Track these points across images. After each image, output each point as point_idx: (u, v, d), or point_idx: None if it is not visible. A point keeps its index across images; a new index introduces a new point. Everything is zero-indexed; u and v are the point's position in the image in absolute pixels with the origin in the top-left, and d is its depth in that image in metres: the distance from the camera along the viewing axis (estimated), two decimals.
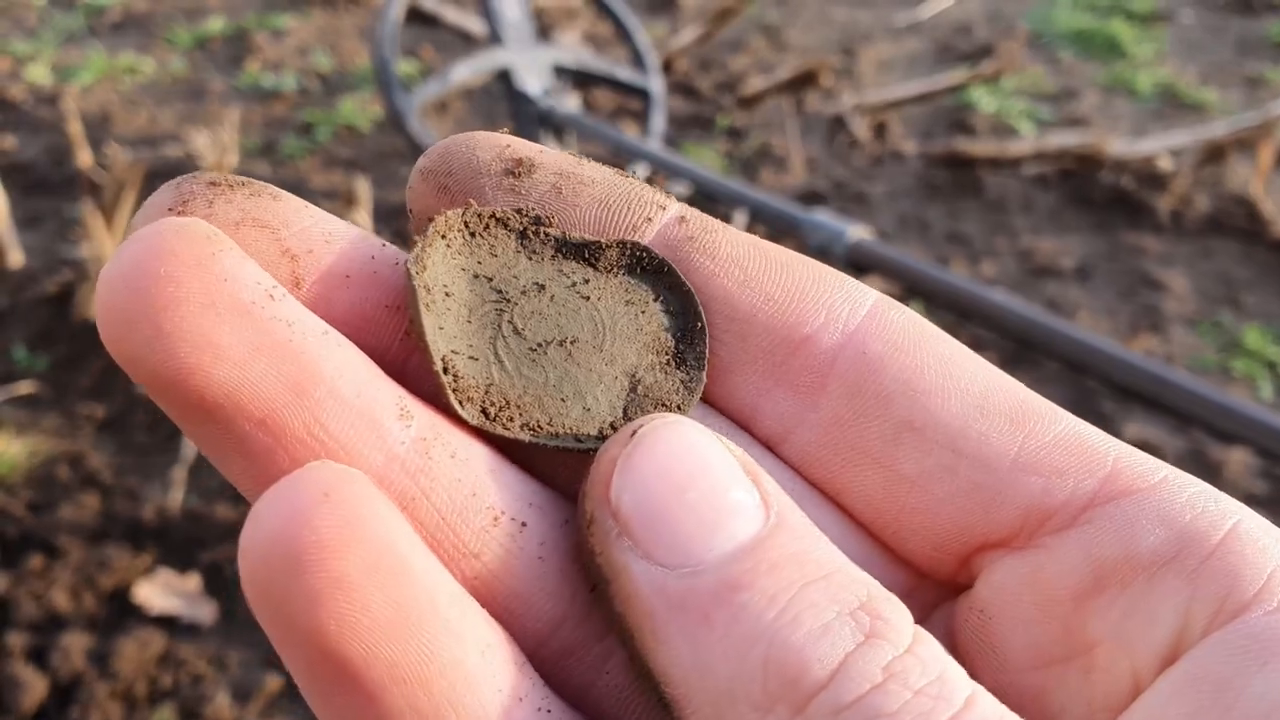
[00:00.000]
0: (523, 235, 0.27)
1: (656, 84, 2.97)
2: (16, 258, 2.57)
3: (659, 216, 0.28)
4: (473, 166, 0.27)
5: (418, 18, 3.77)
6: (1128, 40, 3.66)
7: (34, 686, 1.65)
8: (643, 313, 0.27)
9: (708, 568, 0.22)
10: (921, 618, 0.25)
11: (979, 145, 2.98)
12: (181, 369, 0.21)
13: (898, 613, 0.22)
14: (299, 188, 2.84)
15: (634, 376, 0.27)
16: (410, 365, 0.26)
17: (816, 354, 0.26)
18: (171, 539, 1.96)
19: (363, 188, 1.69)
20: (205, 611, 1.84)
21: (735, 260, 0.27)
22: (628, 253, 0.27)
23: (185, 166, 2.83)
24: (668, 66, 3.43)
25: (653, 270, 0.28)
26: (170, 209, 0.24)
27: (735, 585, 0.22)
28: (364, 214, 1.68)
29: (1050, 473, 0.25)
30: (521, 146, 0.28)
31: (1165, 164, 2.86)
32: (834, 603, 0.22)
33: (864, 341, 0.26)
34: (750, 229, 2.40)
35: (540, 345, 0.26)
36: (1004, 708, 0.21)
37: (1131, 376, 1.66)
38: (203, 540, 1.95)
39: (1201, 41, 3.75)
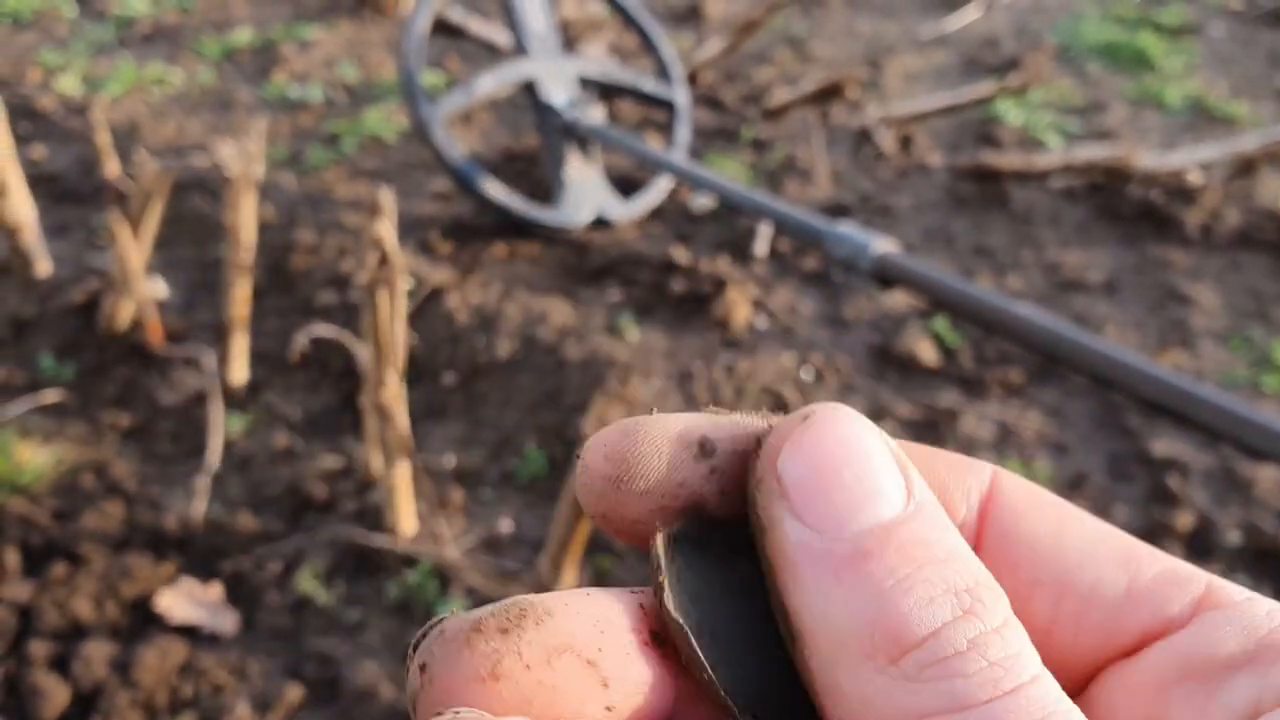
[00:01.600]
0: (729, 535, 0.30)
1: (681, 96, 2.97)
2: (45, 267, 2.60)
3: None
4: (665, 462, 0.30)
5: (444, 29, 3.79)
6: (1157, 53, 3.64)
7: (56, 695, 1.65)
8: None
9: (847, 537, 0.26)
10: None
11: (1006, 158, 2.96)
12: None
13: (996, 600, 0.26)
14: (325, 198, 2.86)
15: None
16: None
17: (964, 532, 0.30)
18: (194, 548, 1.96)
19: (387, 199, 1.69)
20: (227, 621, 1.84)
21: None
22: None
23: (212, 176, 2.85)
24: (693, 78, 3.43)
25: None
26: (482, 677, 0.27)
27: (866, 555, 0.26)
28: (388, 225, 1.68)
29: (1155, 601, 0.29)
30: (699, 424, 0.30)
31: (1194, 178, 2.83)
32: (943, 582, 0.26)
33: (996, 517, 0.31)
34: (774, 240, 2.38)
35: (757, 636, 0.29)
36: (1063, 693, 0.26)
37: (1158, 391, 1.64)
38: (225, 550, 1.95)
39: (1232, 54, 3.73)
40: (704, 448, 0.30)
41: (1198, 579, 0.30)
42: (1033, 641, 0.29)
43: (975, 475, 0.31)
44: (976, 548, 0.30)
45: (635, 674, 0.28)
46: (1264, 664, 0.27)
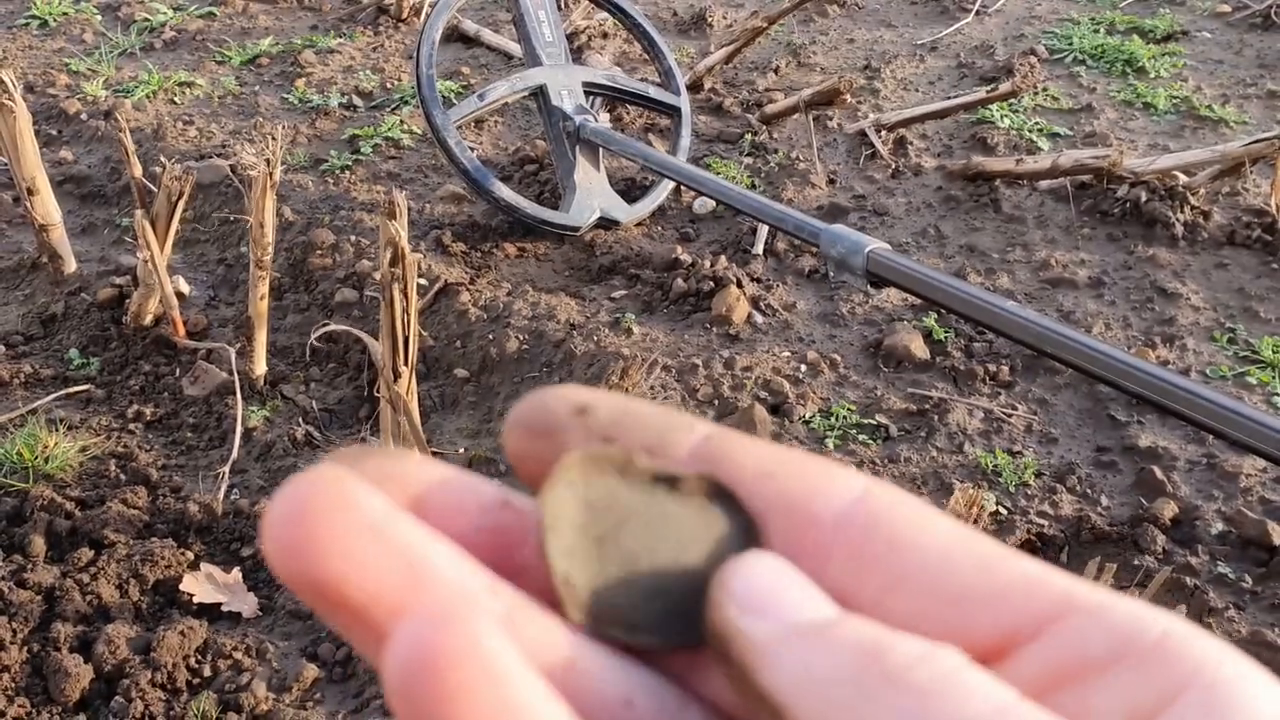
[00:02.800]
0: (623, 469, 0.32)
1: (684, 102, 3.05)
2: (72, 264, 2.68)
3: (690, 438, 0.33)
4: (549, 412, 0.33)
5: (460, 39, 3.87)
6: (1146, 58, 3.69)
7: (79, 676, 1.70)
8: (713, 529, 0.32)
9: (813, 622, 0.29)
10: None
11: (996, 161, 3.03)
12: (330, 578, 0.27)
13: (975, 673, 0.28)
14: (343, 199, 2.94)
15: (709, 582, 0.31)
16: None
17: (822, 532, 0.31)
18: (215, 535, 2.02)
19: (400, 200, 1.77)
20: (246, 604, 1.90)
21: (754, 464, 0.32)
22: (703, 482, 0.32)
23: (234, 178, 2.94)
24: (696, 85, 3.50)
25: (723, 496, 0.32)
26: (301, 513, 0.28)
27: (832, 623, 0.28)
28: (402, 225, 1.76)
29: (1011, 602, 0.30)
30: (581, 395, 0.33)
31: (1181, 179, 2.89)
32: (921, 648, 0.28)
33: (858, 519, 0.31)
34: (773, 240, 2.45)
35: (635, 558, 0.31)
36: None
37: (1143, 385, 1.68)
38: (245, 536, 2.02)
39: (1220, 59, 3.78)
40: (583, 410, 0.33)
41: (1055, 583, 0.30)
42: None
43: (844, 484, 0.32)
44: (831, 547, 0.31)
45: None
46: (1130, 662, 0.28)
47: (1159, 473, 2.13)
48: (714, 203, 2.90)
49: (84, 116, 3.34)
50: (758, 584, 0.30)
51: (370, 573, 0.27)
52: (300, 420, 2.31)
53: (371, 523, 0.27)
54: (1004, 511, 2.07)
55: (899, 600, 0.30)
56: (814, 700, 0.27)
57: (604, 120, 2.94)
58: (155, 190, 2.34)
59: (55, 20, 3.95)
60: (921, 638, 0.28)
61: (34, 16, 3.95)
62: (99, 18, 3.99)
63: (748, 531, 0.32)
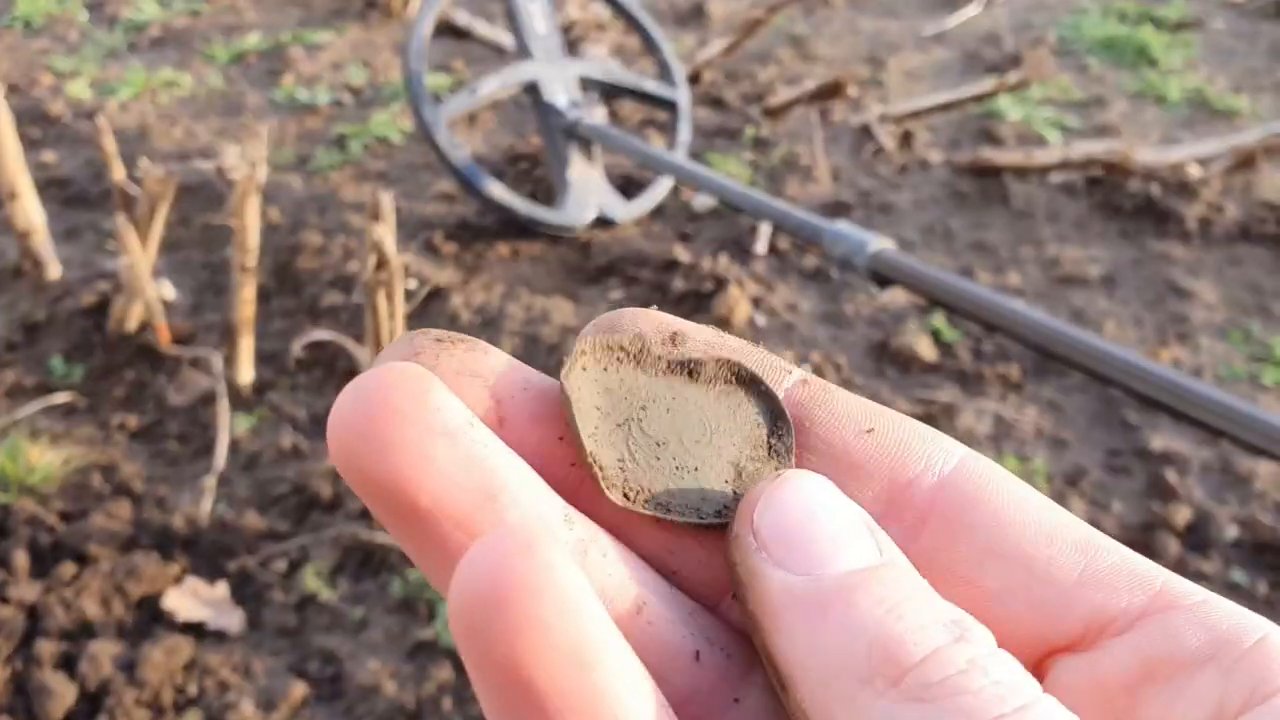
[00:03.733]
0: (640, 356, 0.33)
1: (683, 96, 2.99)
2: (55, 270, 2.63)
3: (785, 379, 0.33)
4: (638, 338, 0.33)
5: (450, 32, 3.82)
6: (1157, 48, 3.64)
7: (63, 694, 1.67)
8: (738, 413, 0.33)
9: (830, 577, 0.27)
10: None
11: (1005, 154, 2.97)
12: (400, 480, 0.26)
13: (984, 632, 0.27)
14: (331, 200, 2.89)
15: (738, 465, 0.32)
16: (575, 490, 0.31)
17: (919, 496, 0.31)
18: (201, 548, 1.99)
19: (386, 201, 1.72)
20: (232, 620, 1.86)
21: (850, 416, 0.32)
22: (723, 367, 0.33)
23: (218, 180, 2.88)
24: (695, 78, 3.45)
25: (745, 380, 0.33)
26: (402, 358, 0.29)
27: (852, 588, 0.27)
28: (388, 227, 1.70)
29: (1108, 590, 0.29)
30: (675, 321, 0.33)
31: (1194, 171, 2.84)
32: (933, 612, 0.27)
33: (956, 486, 0.31)
34: (775, 238, 2.40)
35: (661, 443, 0.32)
36: (1071, 714, 0.26)
37: (1154, 388, 1.65)
38: (231, 549, 1.98)
39: (1233, 48, 3.72)
40: (675, 337, 0.33)
41: (1154, 575, 0.30)
42: (976, 613, 0.29)
43: (941, 448, 0.32)
44: (928, 513, 0.31)
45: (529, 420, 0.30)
46: (1226, 663, 0.28)
47: (1172, 477, 2.10)
48: (714, 200, 2.85)
49: (67, 118, 3.29)
50: (784, 521, 0.29)
51: (443, 483, 0.26)
52: (288, 429, 2.25)
53: (449, 428, 0.27)
54: None
55: (992, 574, 0.30)
56: (816, 685, 0.26)
57: (600, 115, 2.89)
58: (138, 193, 2.29)
59: (39, 19, 3.90)
60: (958, 625, 0.27)
61: (18, 16, 3.91)
62: (84, 16, 3.94)
63: (774, 416, 0.33)
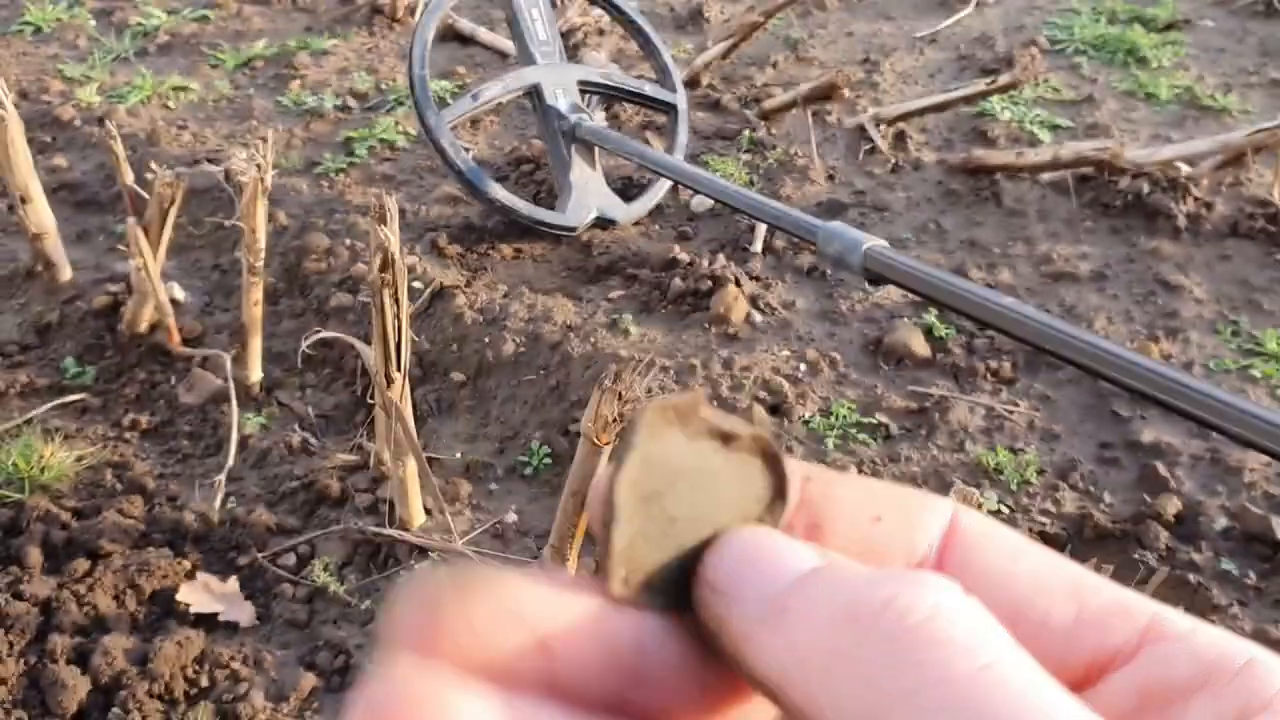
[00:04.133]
0: (687, 418, 0.31)
1: (681, 99, 3.03)
2: (66, 273, 2.67)
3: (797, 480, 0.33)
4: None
5: (454, 38, 3.85)
6: (1147, 47, 3.67)
7: (76, 688, 1.69)
8: (746, 486, 0.32)
9: (782, 587, 0.28)
10: None
11: (997, 154, 3.00)
12: None
13: (945, 580, 0.28)
14: (338, 203, 2.92)
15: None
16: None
17: (927, 566, 0.32)
18: (212, 543, 2.01)
19: (391, 204, 1.76)
20: (243, 613, 1.89)
21: (860, 506, 0.32)
22: (756, 442, 0.32)
23: (225, 184, 2.92)
24: (693, 82, 3.48)
25: (766, 454, 0.32)
26: (421, 611, 0.27)
27: (804, 583, 0.28)
28: (393, 229, 1.74)
29: (1103, 629, 0.30)
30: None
31: (1184, 169, 2.87)
32: (875, 581, 0.27)
33: (954, 553, 0.32)
34: (771, 238, 2.43)
35: (674, 519, 0.31)
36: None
37: (1145, 381, 1.67)
38: (242, 544, 2.01)
39: (1222, 47, 3.75)
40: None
41: (1143, 608, 0.31)
42: None
43: (936, 511, 0.33)
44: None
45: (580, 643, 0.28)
46: (1217, 688, 0.29)
47: (1162, 469, 2.12)
48: (712, 201, 2.88)
49: (78, 123, 3.33)
50: (730, 566, 0.30)
51: None
52: (296, 427, 2.29)
53: None
54: (1005, 510, 2.05)
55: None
56: (805, 675, 0.27)
57: (600, 119, 2.93)
58: (148, 197, 2.33)
59: (49, 26, 3.93)
60: (901, 571, 0.28)
61: (28, 23, 3.94)
62: (93, 23, 3.97)
63: (775, 491, 0.32)
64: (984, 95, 3.14)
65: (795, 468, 0.33)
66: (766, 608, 0.28)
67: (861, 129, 3.23)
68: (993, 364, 2.36)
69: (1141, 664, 0.30)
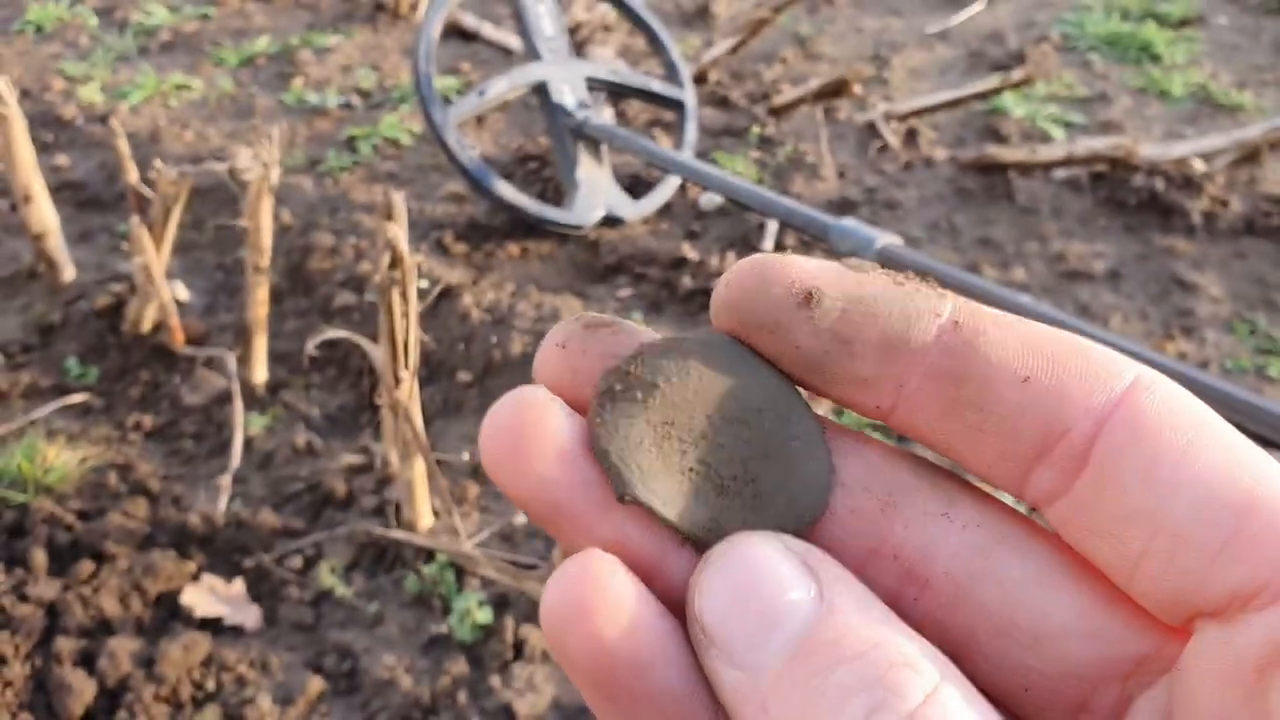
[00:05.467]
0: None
1: (689, 96, 3.01)
2: (69, 272, 2.65)
3: (934, 324, 0.30)
4: (769, 301, 0.31)
5: (459, 35, 3.84)
6: (1160, 44, 3.65)
7: (82, 691, 1.68)
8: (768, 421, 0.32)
9: (765, 666, 0.27)
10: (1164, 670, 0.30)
11: (1009, 151, 2.98)
12: (525, 489, 0.30)
13: (912, 680, 0.26)
14: (342, 201, 2.90)
15: (758, 487, 0.31)
16: None
17: (1075, 444, 0.29)
18: (217, 545, 2.00)
19: (398, 201, 1.73)
20: (249, 616, 1.87)
21: (1005, 364, 0.30)
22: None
23: (231, 181, 2.90)
24: (701, 78, 3.46)
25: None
26: (558, 344, 0.33)
27: (782, 678, 0.27)
28: (400, 227, 1.72)
29: (1252, 562, 0.27)
30: (805, 275, 0.31)
31: (1198, 166, 2.84)
32: (855, 678, 0.26)
33: (1113, 433, 0.29)
34: (782, 235, 2.41)
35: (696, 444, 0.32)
36: None
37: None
38: (247, 546, 1.99)
39: (1236, 43, 3.73)
40: (809, 298, 0.31)
41: None
42: (1118, 574, 0.29)
43: (1106, 377, 0.29)
44: (1084, 459, 0.29)
45: None
46: None
47: None
48: (721, 198, 2.86)
49: (80, 122, 3.31)
50: (721, 607, 0.29)
51: (558, 493, 0.30)
52: (302, 427, 2.27)
53: (561, 446, 0.31)
54: (1021, 510, 2.03)
55: (1136, 535, 0.29)
56: None
57: (607, 115, 2.90)
58: (151, 196, 2.31)
59: (51, 25, 3.92)
60: (882, 686, 0.26)
61: (30, 22, 3.93)
62: (94, 21, 3.96)
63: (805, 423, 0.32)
64: (996, 92, 3.12)
65: (947, 306, 0.30)
66: (750, 690, 0.27)
67: (872, 126, 3.21)
68: None
69: None
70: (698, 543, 0.30)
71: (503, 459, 0.30)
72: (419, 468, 1.93)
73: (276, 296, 2.59)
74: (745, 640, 0.28)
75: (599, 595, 0.28)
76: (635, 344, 0.32)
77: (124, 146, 2.36)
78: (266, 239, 2.20)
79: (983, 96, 3.15)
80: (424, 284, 2.51)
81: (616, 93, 3.06)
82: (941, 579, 0.31)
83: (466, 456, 2.21)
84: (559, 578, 0.29)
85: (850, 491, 0.32)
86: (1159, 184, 2.82)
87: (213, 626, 1.85)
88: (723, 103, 3.40)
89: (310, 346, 2.21)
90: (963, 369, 0.30)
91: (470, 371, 2.39)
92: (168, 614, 1.86)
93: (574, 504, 0.31)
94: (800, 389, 0.32)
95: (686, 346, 0.32)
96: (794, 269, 0.31)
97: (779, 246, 2.73)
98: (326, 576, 1.92)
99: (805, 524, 0.31)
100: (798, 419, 0.31)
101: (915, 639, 0.27)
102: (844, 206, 2.86)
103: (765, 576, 0.28)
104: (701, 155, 3.06)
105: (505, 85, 2.79)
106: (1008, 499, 0.38)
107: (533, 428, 0.30)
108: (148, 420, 2.30)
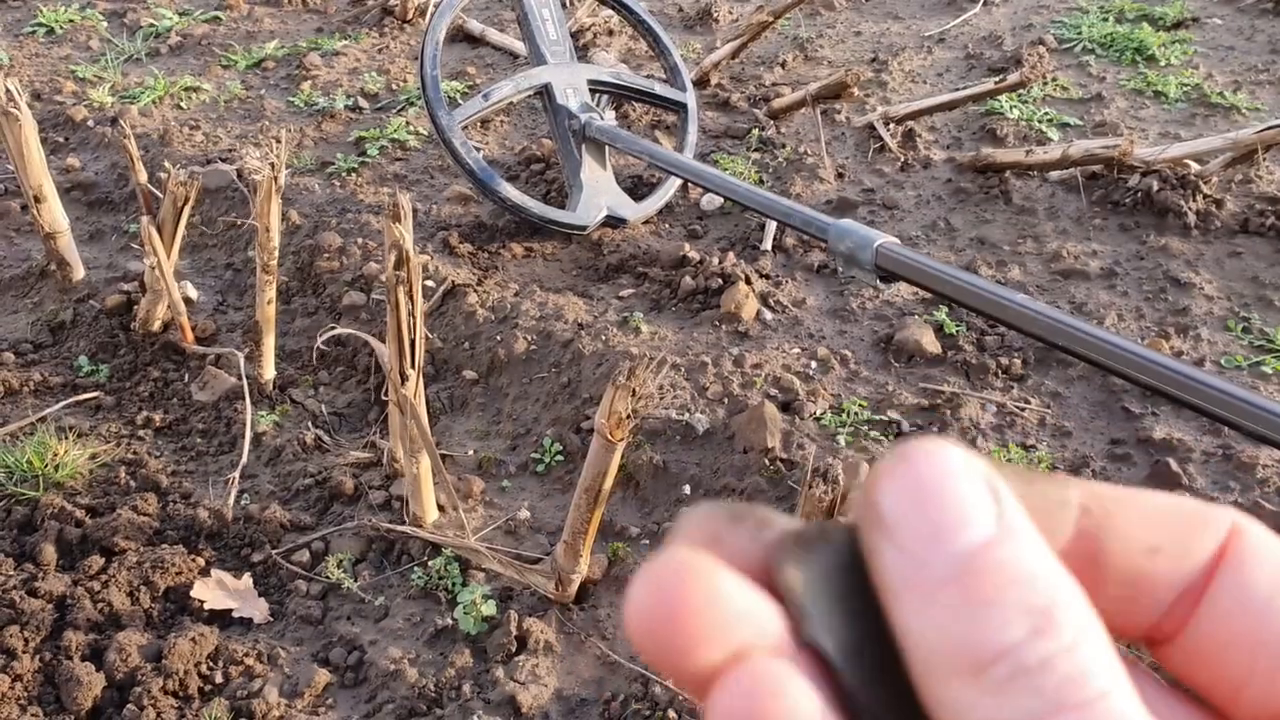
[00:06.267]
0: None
1: (691, 98, 3.04)
2: (80, 271, 2.68)
3: (1070, 515, 0.31)
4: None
5: (464, 39, 3.86)
6: (1156, 46, 3.67)
7: (91, 684, 1.70)
8: None
9: (938, 562, 0.28)
10: None
11: (1006, 152, 3.00)
12: (685, 663, 0.28)
13: (1068, 619, 0.27)
14: (350, 202, 2.93)
15: None
16: None
17: (1189, 596, 0.31)
18: (225, 540, 2.02)
19: (405, 202, 1.76)
20: (257, 609, 1.90)
21: (1135, 537, 0.31)
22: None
23: (238, 184, 2.93)
24: (703, 81, 3.49)
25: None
26: (700, 531, 0.31)
27: (954, 578, 0.28)
28: (407, 227, 1.75)
29: None
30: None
31: (1193, 166, 2.86)
32: (1021, 603, 0.27)
33: (1224, 571, 0.30)
34: (782, 236, 2.44)
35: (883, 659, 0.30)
36: (1139, 706, 0.27)
37: (1157, 376, 1.66)
38: (255, 541, 2.01)
39: (1231, 45, 3.75)
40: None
41: None
42: (1225, 701, 0.30)
43: (1213, 525, 0.31)
44: (1200, 597, 0.31)
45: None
46: None
47: (1174, 465, 2.11)
48: (722, 199, 2.89)
49: (90, 123, 3.35)
50: (905, 499, 0.29)
51: (710, 658, 0.28)
52: (310, 424, 2.30)
53: (721, 617, 0.28)
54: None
55: (1242, 657, 0.30)
56: (922, 669, 0.28)
57: (610, 118, 2.93)
58: (161, 196, 2.34)
59: (62, 28, 3.95)
60: (1044, 614, 0.27)
61: (41, 24, 3.96)
62: (105, 24, 3.99)
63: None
64: (993, 94, 3.14)
65: (1074, 494, 0.31)
66: (918, 577, 0.28)
67: (870, 128, 3.23)
68: (1004, 361, 2.36)
69: None
70: (860, 707, 0.30)
71: (663, 628, 0.29)
72: (425, 463, 1.96)
73: (285, 295, 2.62)
74: (923, 533, 0.28)
75: (777, 701, 0.28)
76: (770, 535, 0.31)
77: (134, 148, 2.39)
78: (275, 239, 2.23)
79: (979, 99, 3.17)
80: (430, 283, 2.54)
81: (619, 96, 3.09)
82: None
83: (472, 452, 2.24)
84: (734, 683, 0.28)
85: None
86: (1154, 184, 2.83)
87: (221, 620, 1.86)
88: (724, 105, 3.43)
89: (319, 343, 2.23)
90: (1097, 550, 0.31)
91: (475, 370, 2.42)
92: (176, 608, 1.88)
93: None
94: None
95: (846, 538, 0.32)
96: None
97: (779, 246, 2.75)
98: (334, 570, 1.94)
99: None
100: None
101: (1074, 583, 0.28)
102: (843, 207, 2.89)
103: (953, 485, 0.29)
104: (703, 157, 3.09)
105: (510, 88, 2.82)
106: None
107: (702, 596, 0.29)
108: (157, 417, 2.32)
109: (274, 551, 1.99)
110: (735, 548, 0.30)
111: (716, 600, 0.28)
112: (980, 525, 0.28)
